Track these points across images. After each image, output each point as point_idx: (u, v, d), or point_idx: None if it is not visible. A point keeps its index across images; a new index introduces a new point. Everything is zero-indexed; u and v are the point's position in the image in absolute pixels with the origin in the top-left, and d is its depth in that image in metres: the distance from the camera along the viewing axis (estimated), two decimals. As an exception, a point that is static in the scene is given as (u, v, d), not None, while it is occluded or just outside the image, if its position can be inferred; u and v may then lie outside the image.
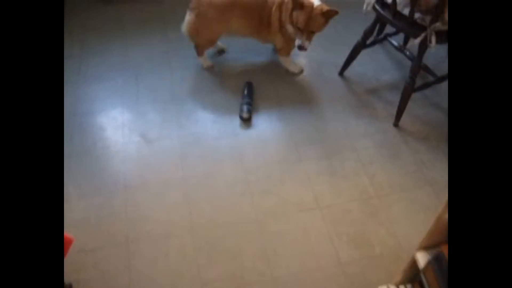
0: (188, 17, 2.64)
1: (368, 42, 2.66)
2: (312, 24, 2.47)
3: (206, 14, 2.58)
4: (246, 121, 2.53)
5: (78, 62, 2.92)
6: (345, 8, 3.27)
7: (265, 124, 2.54)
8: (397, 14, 2.30)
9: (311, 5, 2.43)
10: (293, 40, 2.62)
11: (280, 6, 2.58)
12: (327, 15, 2.44)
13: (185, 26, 2.69)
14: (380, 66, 2.92)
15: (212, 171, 2.29)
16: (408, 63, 2.79)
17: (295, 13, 2.48)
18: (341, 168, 2.32)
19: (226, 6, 2.57)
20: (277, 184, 2.24)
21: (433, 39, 2.17)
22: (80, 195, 2.19)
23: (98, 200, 2.17)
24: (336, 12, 2.42)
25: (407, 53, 2.61)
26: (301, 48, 2.54)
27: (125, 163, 2.33)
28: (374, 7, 2.42)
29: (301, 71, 2.89)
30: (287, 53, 2.82)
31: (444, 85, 2.61)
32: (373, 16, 2.48)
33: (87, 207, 2.14)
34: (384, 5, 2.38)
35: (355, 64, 2.78)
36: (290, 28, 2.59)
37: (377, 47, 2.90)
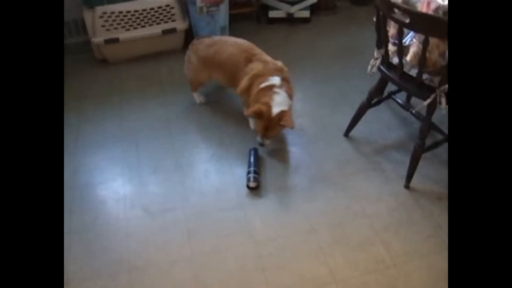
0: (185, 56, 2.95)
1: (373, 102, 2.61)
2: (270, 131, 2.52)
3: (192, 59, 2.86)
4: (253, 190, 2.44)
5: (75, 130, 2.84)
6: (348, 65, 3.26)
7: (272, 193, 2.44)
8: (404, 75, 2.25)
9: (269, 115, 2.45)
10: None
11: (252, 78, 2.59)
12: (285, 125, 2.48)
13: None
14: (385, 124, 2.85)
15: (220, 246, 2.18)
16: (414, 120, 2.74)
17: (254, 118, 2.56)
18: (354, 237, 2.22)
19: (207, 59, 2.79)
20: (290, 258, 2.13)
21: (443, 100, 2.12)
22: (81, 278, 2.06)
23: (100, 283, 2.04)
24: (292, 126, 2.49)
25: (413, 111, 2.57)
26: (261, 145, 2.61)
27: (128, 241, 2.21)
28: (379, 68, 2.38)
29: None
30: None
31: (453, 142, 2.54)
32: (377, 74, 2.43)
33: (90, 291, 2.02)
34: (390, 66, 2.34)
35: (359, 123, 2.71)
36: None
37: (381, 105, 2.84)
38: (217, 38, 2.89)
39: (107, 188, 2.48)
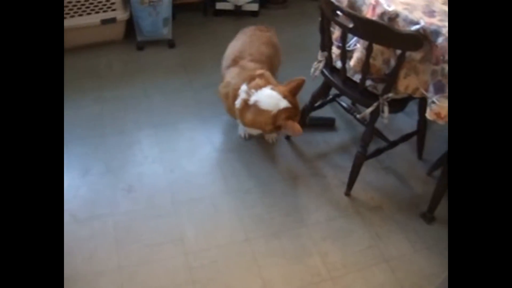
0: None
1: (316, 105, 2.53)
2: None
3: None
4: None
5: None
6: (295, 63, 3.15)
7: (208, 199, 2.33)
8: (347, 81, 2.18)
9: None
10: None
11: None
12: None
13: None
14: (328, 127, 2.77)
15: (150, 257, 2.06)
16: (358, 123, 2.67)
17: None
18: (291, 247, 2.14)
19: None
20: (222, 271, 2.03)
21: (386, 109, 2.06)
22: (-2, 290, 1.92)
23: (19, 296, 1.90)
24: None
25: (357, 116, 2.50)
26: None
27: (52, 250, 2.07)
28: (322, 72, 2.30)
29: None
30: None
31: (396, 149, 2.49)
32: (321, 78, 2.34)
33: (6, 305, 1.87)
34: (333, 70, 2.26)
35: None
36: None
37: (325, 106, 2.76)
38: None
39: (32, 191, 2.31)
